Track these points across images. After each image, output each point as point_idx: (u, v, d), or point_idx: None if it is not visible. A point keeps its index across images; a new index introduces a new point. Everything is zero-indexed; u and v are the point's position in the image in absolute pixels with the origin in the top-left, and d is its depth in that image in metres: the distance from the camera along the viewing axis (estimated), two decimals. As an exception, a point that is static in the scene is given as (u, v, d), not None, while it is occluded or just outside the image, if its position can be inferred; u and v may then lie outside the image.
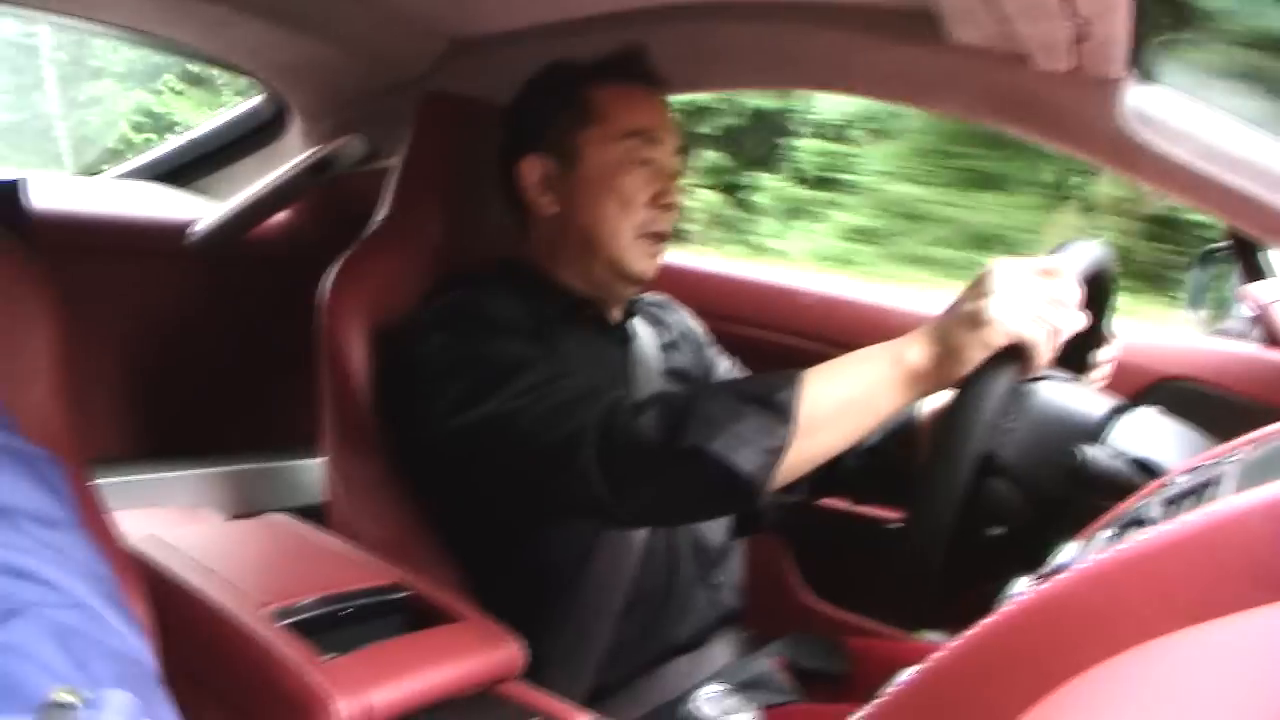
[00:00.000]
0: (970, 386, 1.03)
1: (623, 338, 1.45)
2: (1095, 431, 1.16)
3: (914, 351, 1.08)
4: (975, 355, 1.04)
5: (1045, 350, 1.04)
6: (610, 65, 1.42)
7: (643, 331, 1.49)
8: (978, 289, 1.06)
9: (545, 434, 1.14)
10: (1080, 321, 1.08)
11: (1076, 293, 1.07)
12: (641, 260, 1.39)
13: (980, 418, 1.01)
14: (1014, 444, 1.15)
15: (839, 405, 1.09)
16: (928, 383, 1.08)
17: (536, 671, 1.16)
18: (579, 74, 1.42)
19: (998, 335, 1.03)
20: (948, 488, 1.00)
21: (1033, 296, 1.04)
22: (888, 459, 1.40)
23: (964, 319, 1.05)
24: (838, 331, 1.86)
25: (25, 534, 0.55)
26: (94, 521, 0.97)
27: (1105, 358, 1.34)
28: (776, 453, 1.06)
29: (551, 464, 1.14)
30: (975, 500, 1.07)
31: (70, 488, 0.64)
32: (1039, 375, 1.12)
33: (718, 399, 1.10)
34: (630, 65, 1.42)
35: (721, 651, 1.40)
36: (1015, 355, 1.03)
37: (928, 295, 1.97)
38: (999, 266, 1.07)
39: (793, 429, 1.07)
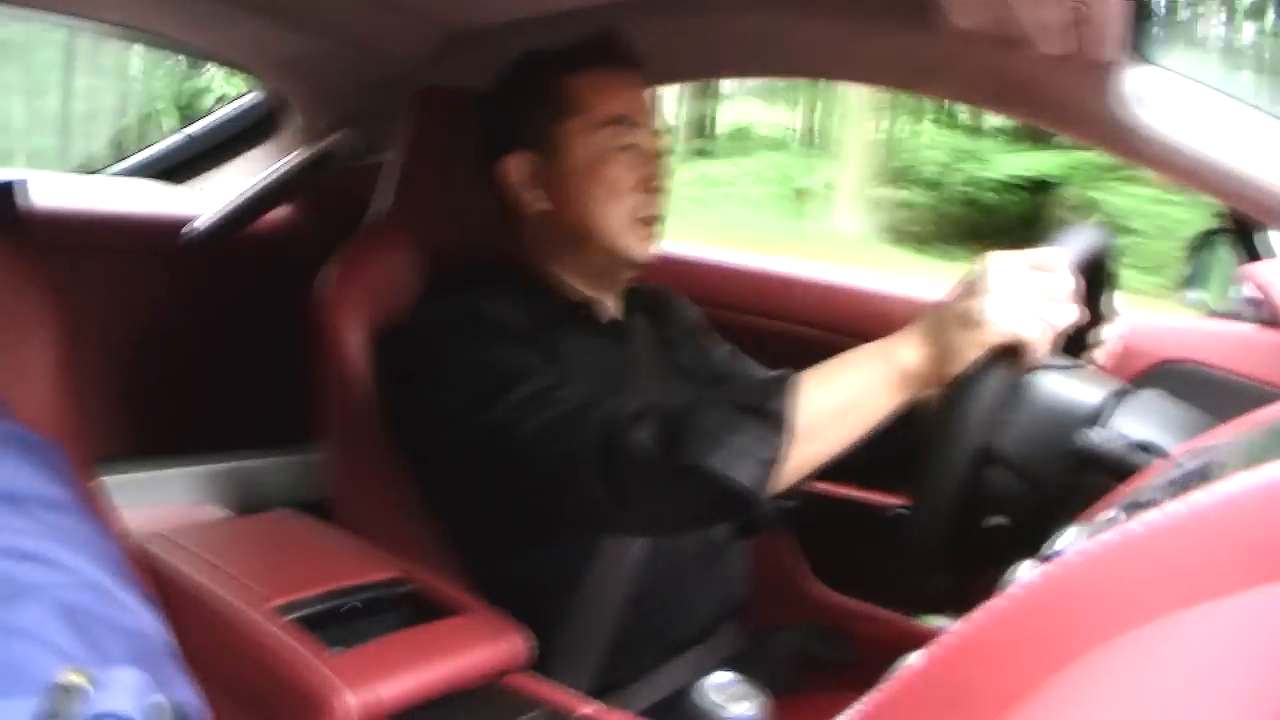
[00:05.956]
0: (966, 385, 1.03)
1: (621, 335, 1.44)
2: (1093, 418, 1.16)
3: (908, 351, 1.08)
4: (970, 355, 1.03)
5: (1040, 346, 1.04)
6: (583, 52, 1.40)
7: (641, 327, 1.48)
8: (971, 287, 1.05)
9: (545, 449, 1.14)
10: (1074, 314, 1.07)
11: (1071, 285, 1.06)
12: (638, 245, 1.38)
13: (976, 415, 1.01)
14: (1012, 435, 1.15)
15: (834, 410, 1.09)
16: (923, 382, 1.08)
17: (543, 664, 1.16)
18: (552, 65, 1.40)
19: (993, 335, 1.02)
20: (945, 485, 1.00)
21: (1027, 293, 1.03)
22: (892, 440, 1.40)
23: (958, 318, 1.04)
24: (837, 319, 1.86)
25: (32, 517, 0.55)
26: (99, 512, 0.97)
27: (1109, 335, 1.35)
28: (774, 463, 1.06)
29: (552, 479, 1.15)
30: (975, 492, 1.07)
31: (72, 472, 0.64)
32: (1036, 366, 1.12)
33: (713, 410, 1.09)
34: (604, 50, 1.40)
35: (729, 642, 1.41)
36: (1010, 353, 1.03)
37: (926, 283, 1.97)
38: (992, 263, 1.06)
39: (788, 438, 1.07)
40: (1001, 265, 1.05)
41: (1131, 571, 0.49)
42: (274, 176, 2.11)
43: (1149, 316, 1.72)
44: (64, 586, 0.51)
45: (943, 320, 1.06)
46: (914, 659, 0.55)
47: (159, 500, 1.81)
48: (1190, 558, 0.48)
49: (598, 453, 1.11)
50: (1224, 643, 0.44)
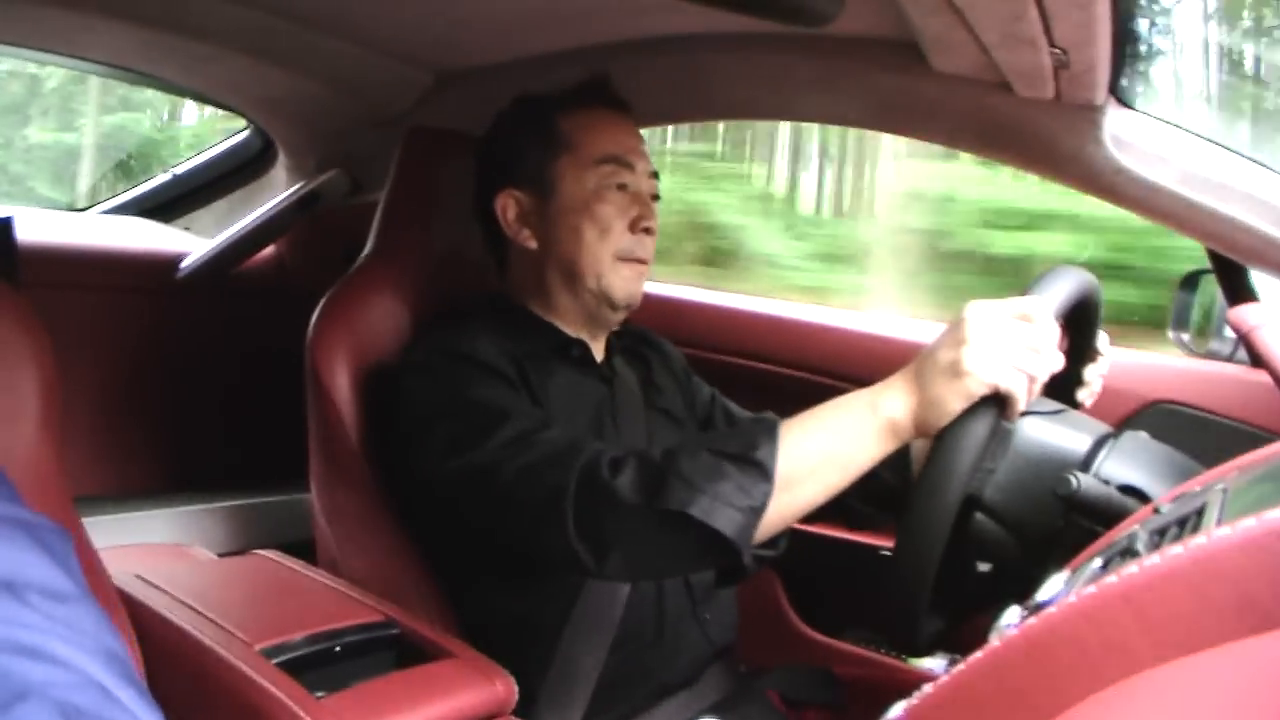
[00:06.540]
0: (949, 436, 1.03)
1: (605, 376, 1.44)
2: (1078, 464, 1.16)
3: (891, 401, 1.07)
4: (954, 406, 1.03)
5: (1023, 397, 1.04)
6: (576, 93, 1.41)
7: (625, 369, 1.48)
8: (954, 336, 1.05)
9: (526, 491, 1.14)
10: (1058, 364, 1.07)
11: (1054, 334, 1.06)
12: (626, 285, 1.38)
13: (960, 467, 1.01)
14: (997, 483, 1.15)
15: (817, 459, 1.08)
16: (907, 433, 1.07)
17: (529, 706, 1.15)
18: (547, 104, 1.41)
19: (976, 386, 1.02)
20: (930, 535, 0.99)
21: (1009, 344, 1.03)
22: (881, 486, 1.39)
23: (941, 369, 1.04)
24: (820, 360, 1.86)
25: (33, 609, 0.53)
26: (102, 599, 0.96)
27: (1093, 376, 1.35)
28: (756, 512, 1.06)
29: (532, 522, 1.14)
30: (961, 540, 1.07)
31: (75, 557, 0.62)
32: (1021, 414, 1.11)
33: (696, 457, 1.09)
34: (596, 92, 1.42)
35: (714, 686, 1.39)
36: (994, 403, 1.02)
37: (909, 322, 1.97)
38: (974, 313, 1.05)
39: (772, 487, 1.06)
40: (983, 315, 1.05)
41: (1114, 624, 0.49)
42: (262, 216, 2.11)
43: (1138, 357, 1.72)
44: (64, 686, 0.50)
45: (926, 370, 1.06)
46: (898, 709, 0.55)
47: (145, 539, 1.80)
48: (1173, 611, 0.48)
49: (576, 498, 1.11)
50: (1208, 697, 0.44)
